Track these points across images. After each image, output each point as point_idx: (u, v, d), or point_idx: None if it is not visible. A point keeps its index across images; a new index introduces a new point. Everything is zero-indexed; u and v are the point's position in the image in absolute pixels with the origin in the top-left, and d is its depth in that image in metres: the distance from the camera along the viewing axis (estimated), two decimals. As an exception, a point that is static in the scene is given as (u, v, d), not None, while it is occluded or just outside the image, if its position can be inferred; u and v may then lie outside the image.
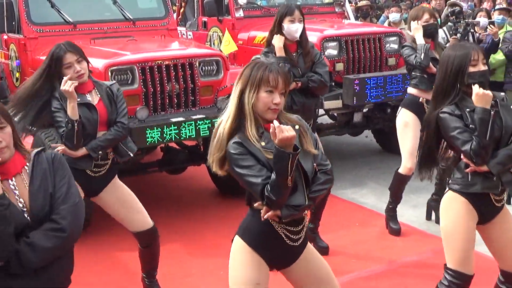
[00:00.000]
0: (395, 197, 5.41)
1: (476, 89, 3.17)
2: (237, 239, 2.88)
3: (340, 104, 6.60)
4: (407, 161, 5.18)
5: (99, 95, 3.98)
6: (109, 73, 5.32)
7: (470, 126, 3.18)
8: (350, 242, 5.26)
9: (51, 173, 2.57)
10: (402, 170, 5.25)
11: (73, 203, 2.55)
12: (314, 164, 2.81)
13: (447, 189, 3.41)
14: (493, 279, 3.60)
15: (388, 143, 7.67)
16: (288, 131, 2.58)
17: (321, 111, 6.98)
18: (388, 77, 6.58)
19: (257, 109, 2.77)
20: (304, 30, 4.76)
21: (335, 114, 7.26)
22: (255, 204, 2.76)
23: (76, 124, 3.77)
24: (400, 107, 5.27)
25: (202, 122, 5.39)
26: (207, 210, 6.01)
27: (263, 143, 2.73)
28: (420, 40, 4.96)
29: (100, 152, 3.90)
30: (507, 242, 3.38)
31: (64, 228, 2.49)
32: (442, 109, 3.25)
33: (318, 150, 2.86)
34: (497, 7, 8.04)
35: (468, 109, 3.21)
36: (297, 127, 2.80)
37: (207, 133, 5.36)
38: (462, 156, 3.28)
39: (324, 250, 4.98)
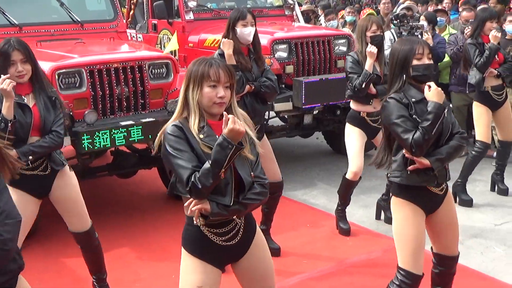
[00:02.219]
0: (344, 200, 5.50)
1: (433, 84, 3.29)
2: (183, 251, 2.94)
3: (290, 106, 6.65)
4: (353, 166, 5.28)
5: (35, 99, 3.88)
6: (56, 76, 5.21)
7: (413, 116, 3.28)
8: (301, 243, 5.31)
9: None
10: (348, 175, 5.35)
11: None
12: (252, 173, 2.83)
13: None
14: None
15: (338, 145, 7.76)
16: (239, 125, 2.62)
17: (271, 113, 7.03)
18: (337, 79, 6.66)
19: (202, 105, 2.80)
20: (256, 33, 4.79)
21: (286, 116, 7.31)
22: (186, 203, 2.77)
23: (10, 123, 3.69)
24: (346, 120, 5.39)
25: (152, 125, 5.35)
26: (157, 214, 5.97)
27: (201, 136, 2.75)
28: (369, 67, 5.02)
29: (30, 157, 3.78)
30: (447, 227, 3.51)
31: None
32: (389, 95, 3.36)
33: (258, 162, 2.89)
34: (434, 9, 8.22)
35: (413, 100, 3.32)
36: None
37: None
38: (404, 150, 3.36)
39: (275, 252, 5.01)
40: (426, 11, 9.07)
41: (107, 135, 5.15)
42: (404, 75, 3.35)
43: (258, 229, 3.04)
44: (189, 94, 2.80)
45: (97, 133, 5.12)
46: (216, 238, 2.84)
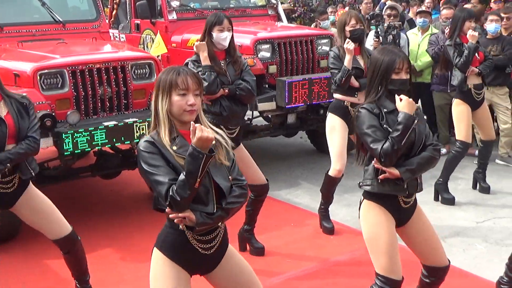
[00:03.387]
0: (326, 198, 5.52)
1: (404, 96, 3.32)
2: (156, 251, 2.91)
3: (273, 106, 6.66)
4: (336, 163, 5.30)
5: (7, 107, 3.80)
6: (38, 77, 5.19)
7: (384, 126, 3.32)
8: (285, 242, 5.32)
9: None
10: (331, 172, 5.36)
11: None
12: (230, 177, 2.85)
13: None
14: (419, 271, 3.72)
15: (322, 144, 7.75)
16: (207, 132, 2.62)
17: (255, 113, 7.04)
18: (320, 78, 6.69)
19: (173, 114, 2.80)
20: (232, 38, 4.80)
21: (269, 116, 7.32)
22: (170, 215, 2.76)
23: None
24: (327, 112, 5.39)
25: (135, 125, 5.33)
26: (141, 215, 5.95)
27: (174, 147, 2.75)
28: (347, 63, 5.06)
29: (8, 165, 3.72)
30: (425, 240, 3.51)
31: None
32: (362, 105, 3.40)
33: (234, 165, 2.90)
34: (417, 10, 8.28)
35: (385, 110, 3.35)
36: (213, 142, 2.82)
37: (140, 136, 5.31)
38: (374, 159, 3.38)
39: (259, 251, 5.03)
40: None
41: (89, 135, 5.12)
42: (382, 87, 3.38)
43: (229, 245, 3.05)
44: (158, 105, 2.80)
45: (79, 134, 5.09)
46: (198, 245, 2.84)
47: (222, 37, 4.69)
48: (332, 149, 5.32)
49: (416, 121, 3.28)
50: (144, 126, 5.27)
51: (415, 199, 3.50)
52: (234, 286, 3.02)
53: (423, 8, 8.57)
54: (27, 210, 3.95)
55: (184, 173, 2.63)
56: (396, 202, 3.40)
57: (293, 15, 11.80)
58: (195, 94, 2.80)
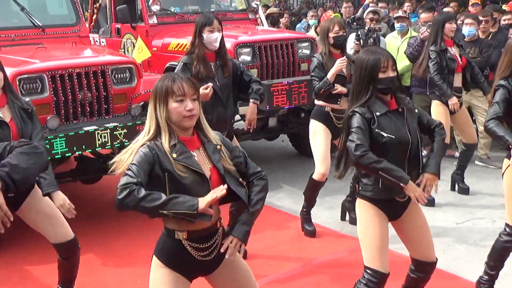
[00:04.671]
0: (309, 201, 5.54)
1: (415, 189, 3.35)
2: (154, 259, 2.91)
3: (255, 110, 6.66)
4: (320, 167, 5.32)
5: (11, 113, 3.75)
6: (17, 82, 5.16)
7: (376, 130, 3.34)
8: (267, 245, 5.34)
9: None
10: (315, 176, 5.38)
11: None
12: (240, 179, 2.90)
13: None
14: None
15: (304, 147, 7.82)
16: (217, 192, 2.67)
17: (236, 117, 7.04)
18: (301, 81, 6.72)
19: (172, 121, 2.79)
20: (222, 39, 4.82)
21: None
22: (168, 225, 2.80)
23: None
24: (310, 118, 5.42)
25: (116, 130, 5.32)
26: (122, 219, 5.92)
27: (174, 155, 2.74)
28: (331, 76, 5.06)
29: None
30: (417, 232, 3.57)
31: None
32: (353, 109, 3.40)
33: (247, 161, 2.97)
34: (395, 15, 8.34)
35: (378, 113, 3.36)
36: (218, 147, 2.87)
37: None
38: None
39: (242, 254, 5.03)
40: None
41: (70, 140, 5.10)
42: (371, 88, 3.39)
43: None
44: (157, 113, 2.79)
45: (60, 139, 5.06)
46: (195, 252, 2.85)
47: (212, 38, 4.72)
48: (315, 153, 5.35)
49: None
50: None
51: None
52: (232, 286, 3.03)
53: (400, 13, 8.63)
54: (32, 212, 3.90)
55: (167, 197, 2.63)
56: (391, 200, 3.45)
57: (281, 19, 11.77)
58: (193, 99, 2.79)
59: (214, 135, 2.93)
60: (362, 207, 3.51)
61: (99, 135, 5.21)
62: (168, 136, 2.77)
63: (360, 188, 3.51)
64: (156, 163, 2.72)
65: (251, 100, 4.89)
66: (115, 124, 5.35)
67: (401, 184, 3.27)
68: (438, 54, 5.95)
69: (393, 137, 3.33)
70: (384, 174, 3.27)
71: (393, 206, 3.48)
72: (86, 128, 5.24)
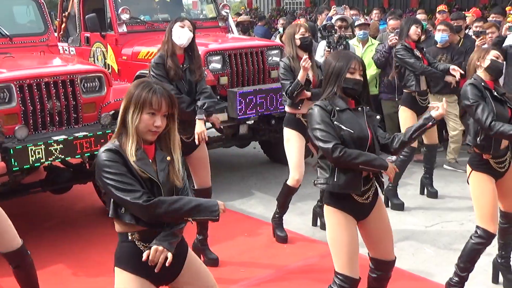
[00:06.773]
0: (282, 207, 5.57)
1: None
2: (116, 270, 2.90)
3: (225, 117, 6.68)
4: (295, 173, 5.35)
5: None
6: (-16, 92, 5.10)
7: (335, 123, 3.40)
8: (238, 252, 5.35)
9: None
10: (290, 182, 5.41)
11: None
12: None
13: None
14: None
15: (275, 154, 7.87)
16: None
17: (207, 124, 7.04)
18: (271, 89, 6.76)
19: (138, 129, 2.78)
20: (194, 43, 4.83)
21: (222, 127, 7.34)
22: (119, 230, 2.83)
23: None
24: (283, 126, 5.45)
25: (86, 139, 5.28)
26: (93, 229, 5.89)
27: (133, 159, 2.75)
28: (301, 78, 5.06)
29: None
30: (381, 232, 3.62)
31: None
32: (316, 103, 3.48)
33: (186, 188, 2.98)
34: (356, 23, 8.41)
35: (338, 108, 3.44)
36: (168, 158, 2.87)
37: (91, 150, 5.26)
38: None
39: (213, 262, 5.03)
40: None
41: (40, 150, 5.05)
42: (336, 86, 3.46)
43: (190, 250, 3.09)
44: (128, 117, 2.78)
45: (30, 149, 5.01)
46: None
47: (181, 31, 4.72)
48: (290, 160, 5.37)
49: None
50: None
51: (376, 195, 3.58)
52: None
53: (361, 20, 8.72)
54: None
55: (192, 206, 2.78)
56: (353, 200, 3.48)
57: (252, 26, 11.87)
58: (163, 115, 2.79)
59: (178, 157, 2.92)
60: (330, 213, 3.52)
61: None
62: (136, 142, 2.77)
63: (315, 180, 3.54)
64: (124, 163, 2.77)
65: (196, 117, 4.82)
66: (84, 133, 5.30)
67: (382, 170, 3.43)
68: (406, 48, 6.09)
69: (352, 131, 3.39)
70: (365, 167, 3.36)
71: (356, 206, 3.50)
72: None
